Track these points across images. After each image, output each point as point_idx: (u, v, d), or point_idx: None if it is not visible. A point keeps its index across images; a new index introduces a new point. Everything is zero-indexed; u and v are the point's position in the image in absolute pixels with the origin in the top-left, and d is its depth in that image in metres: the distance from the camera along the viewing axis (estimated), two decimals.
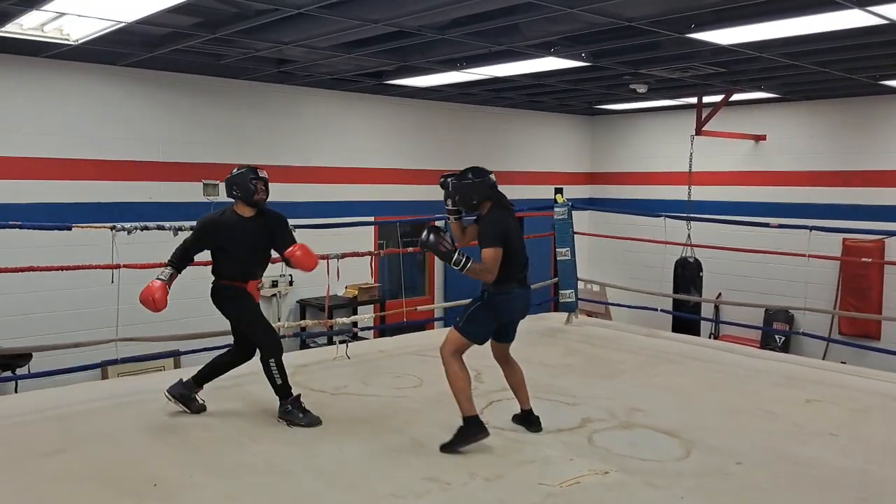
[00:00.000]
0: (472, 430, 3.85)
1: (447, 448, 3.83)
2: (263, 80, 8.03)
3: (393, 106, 9.46)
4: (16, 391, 5.83)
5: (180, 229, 4.92)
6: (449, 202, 4.12)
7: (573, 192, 11.25)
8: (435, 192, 9.64)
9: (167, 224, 5.14)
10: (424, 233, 3.85)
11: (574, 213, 7.40)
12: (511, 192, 11.21)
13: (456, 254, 3.82)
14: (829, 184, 9.33)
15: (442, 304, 8.79)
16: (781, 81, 8.14)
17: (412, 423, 4.33)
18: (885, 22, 5.00)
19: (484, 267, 3.82)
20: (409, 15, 5.12)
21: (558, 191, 10.46)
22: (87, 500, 3.31)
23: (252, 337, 4.32)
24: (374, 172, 9.34)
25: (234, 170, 4.24)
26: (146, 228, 5.08)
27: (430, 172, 9.83)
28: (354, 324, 7.94)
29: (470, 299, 4.08)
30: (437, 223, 4.10)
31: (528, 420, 4.19)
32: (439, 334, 7.37)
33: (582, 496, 3.37)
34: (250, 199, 4.17)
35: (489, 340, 4.09)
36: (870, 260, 8.52)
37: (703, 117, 9.22)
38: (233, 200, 4.26)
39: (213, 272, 4.31)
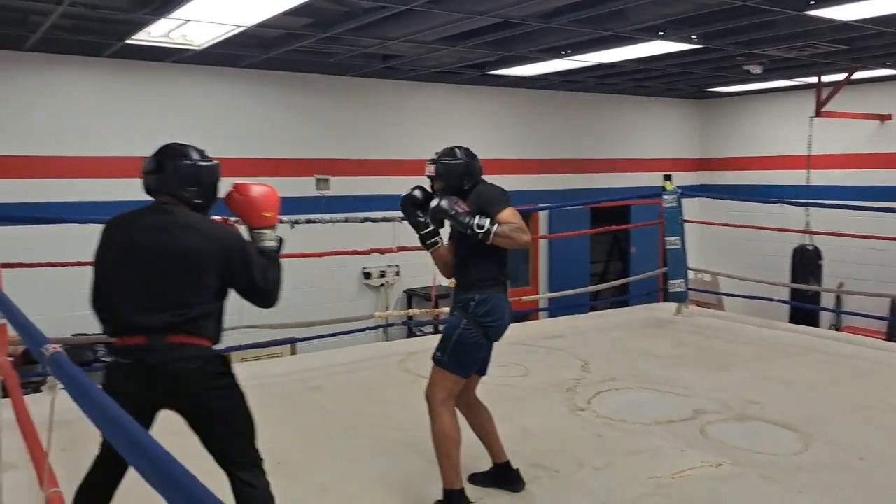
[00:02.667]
0: None
1: None
2: (370, 75, 8.28)
3: (496, 96, 9.51)
4: None
5: (296, 223, 5.16)
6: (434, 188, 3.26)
7: (682, 178, 10.91)
8: (541, 181, 9.79)
9: (283, 217, 5.37)
10: (436, 200, 3.11)
11: (684, 200, 7.20)
12: (617, 179, 11.11)
13: (477, 217, 2.98)
14: None
15: (546, 295, 8.79)
16: None
17: (518, 410, 4.38)
18: None
19: (513, 226, 2.96)
20: (514, 5, 5.15)
21: (667, 177, 10.19)
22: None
23: None
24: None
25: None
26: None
27: (535, 162, 9.85)
28: None
29: (449, 325, 3.12)
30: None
31: (506, 477, 3.30)
32: (548, 324, 7.44)
33: (694, 488, 3.32)
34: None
35: None
36: None
37: (822, 97, 8.72)
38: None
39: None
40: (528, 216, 9.82)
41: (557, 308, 8.48)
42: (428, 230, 3.26)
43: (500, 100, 9.57)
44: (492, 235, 2.95)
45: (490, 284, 3.10)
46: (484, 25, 5.78)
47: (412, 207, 3.32)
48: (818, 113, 8.75)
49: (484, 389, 4.84)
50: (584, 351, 5.70)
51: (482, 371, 3.24)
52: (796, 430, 3.97)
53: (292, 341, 6.41)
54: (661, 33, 6.08)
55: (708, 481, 3.37)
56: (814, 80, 8.81)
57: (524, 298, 7.28)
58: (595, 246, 11.01)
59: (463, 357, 3.03)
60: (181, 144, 2.62)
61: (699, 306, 8.66)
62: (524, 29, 5.92)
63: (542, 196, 9.34)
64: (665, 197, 7.19)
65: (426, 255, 5.21)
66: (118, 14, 5.17)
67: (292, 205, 7.62)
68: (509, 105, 9.68)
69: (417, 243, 3.43)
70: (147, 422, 2.39)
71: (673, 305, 7.27)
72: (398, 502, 3.28)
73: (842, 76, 8.44)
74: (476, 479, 3.37)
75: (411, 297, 8.69)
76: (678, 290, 7.12)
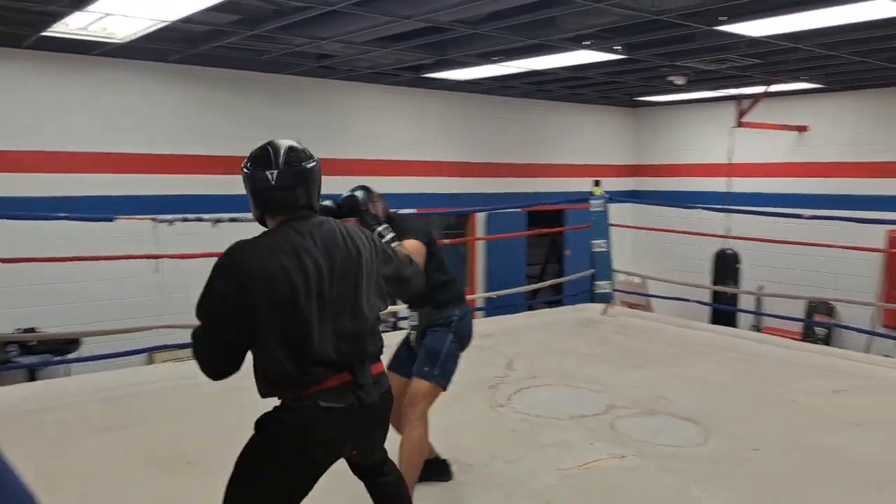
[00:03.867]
0: None
1: None
2: (305, 74, 8.27)
3: (434, 99, 9.62)
4: (69, 374, 6.20)
5: (219, 221, 5.12)
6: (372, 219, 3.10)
7: (617, 184, 11.23)
8: (479, 185, 9.93)
9: (206, 216, 5.33)
10: (360, 192, 3.09)
11: (618, 205, 7.41)
12: (555, 184, 11.33)
13: (383, 226, 3.01)
14: (874, 174, 9.13)
15: (481, 295, 8.93)
16: (822, 72, 8.02)
17: (440, 407, 4.44)
18: None
19: (409, 253, 2.83)
20: (442, 10, 5.25)
21: (596, 182, 10.43)
22: (129, 475, 3.56)
23: None
24: (416, 165, 9.53)
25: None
26: (186, 220, 5.22)
27: (472, 165, 10.01)
28: (394, 314, 8.14)
29: (429, 338, 3.21)
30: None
31: (439, 469, 3.43)
32: (481, 324, 7.54)
33: (597, 478, 3.47)
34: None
35: (393, 377, 3.01)
36: None
37: (743, 109, 9.12)
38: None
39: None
40: (465, 218, 9.97)
41: (494, 308, 8.63)
42: (379, 229, 3.14)
43: (437, 102, 9.69)
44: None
45: (463, 300, 3.31)
46: (415, 29, 5.86)
47: (352, 207, 3.16)
48: (739, 123, 9.15)
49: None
50: (511, 349, 5.84)
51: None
52: (699, 424, 4.17)
53: None
54: (586, 43, 6.28)
55: (611, 472, 3.52)
56: (734, 91, 9.21)
57: None
58: (533, 248, 11.24)
59: (451, 369, 3.19)
60: (292, 144, 2.19)
61: (630, 307, 8.94)
62: (454, 34, 6.03)
63: (479, 199, 9.50)
64: (592, 201, 7.41)
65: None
66: (33, 5, 5.06)
67: (220, 203, 7.58)
68: (446, 108, 9.81)
69: None
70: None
71: (600, 306, 7.49)
72: (338, 495, 3.31)
73: (760, 89, 8.85)
74: None
75: None
76: (604, 291, 7.35)
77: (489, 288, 9.68)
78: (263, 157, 2.13)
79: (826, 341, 9.20)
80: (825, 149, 9.66)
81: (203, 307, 2.04)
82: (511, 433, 4.06)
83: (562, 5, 5.21)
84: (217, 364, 2.08)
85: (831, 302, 9.10)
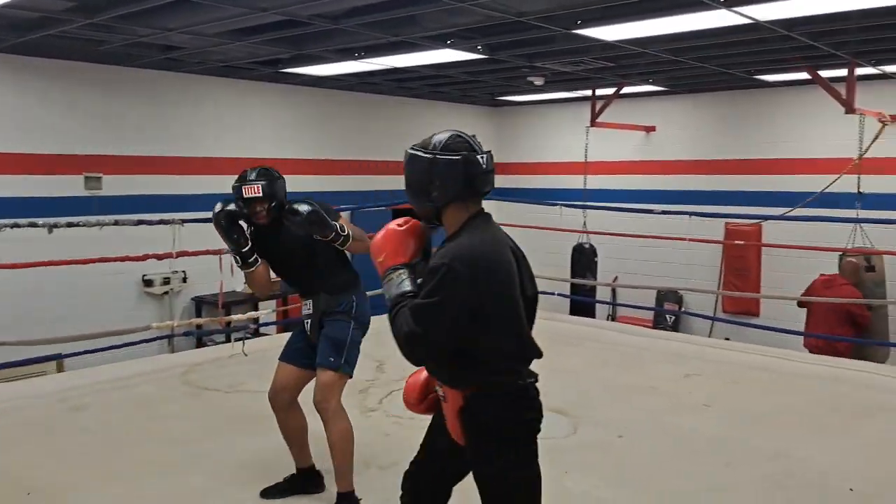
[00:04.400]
0: None
1: None
2: (150, 67, 7.72)
3: (293, 94, 9.31)
4: None
5: (55, 226, 4.65)
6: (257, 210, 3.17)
7: None
8: (341, 182, 9.73)
9: (41, 221, 4.81)
10: (305, 206, 3.06)
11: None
12: None
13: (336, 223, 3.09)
14: (712, 172, 9.86)
15: None
16: (667, 76, 8.54)
17: (308, 414, 4.29)
18: (749, 21, 5.33)
19: (358, 231, 3.17)
20: (300, 4, 5.05)
21: None
22: None
23: None
24: (275, 163, 9.13)
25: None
26: (17, 226, 4.66)
27: (333, 163, 9.78)
28: (255, 320, 7.80)
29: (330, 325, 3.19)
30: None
31: (312, 480, 3.38)
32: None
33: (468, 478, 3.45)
34: (248, 220, 3.22)
35: (288, 368, 3.26)
36: (742, 243, 9.09)
37: (596, 109, 9.53)
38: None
39: None
40: None
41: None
42: (247, 248, 3.17)
43: (297, 98, 9.39)
44: (351, 239, 3.08)
45: (357, 284, 3.24)
46: (271, 22, 5.61)
47: (231, 223, 3.15)
48: (593, 123, 9.56)
49: None
50: (380, 351, 5.69)
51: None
52: (568, 415, 4.28)
53: (57, 357, 5.80)
54: (448, 42, 6.29)
55: None
56: (589, 92, 9.62)
57: None
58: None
59: (355, 357, 3.17)
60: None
61: None
62: (313, 28, 5.84)
63: (343, 197, 9.29)
64: None
65: (213, 260, 4.80)
66: None
67: (55, 206, 6.93)
68: (306, 104, 9.53)
69: (201, 247, 3.27)
70: None
71: None
72: None
73: (612, 90, 9.29)
74: (270, 492, 3.26)
75: (200, 304, 8.23)
76: None
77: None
78: (461, 141, 2.10)
79: (675, 327, 9.84)
80: (670, 148, 10.32)
81: (442, 303, 1.96)
82: (385, 438, 3.98)
83: (424, 3, 5.17)
84: (430, 353, 2.07)
85: (679, 290, 9.74)
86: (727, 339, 7.95)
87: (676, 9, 5.09)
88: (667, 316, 10.02)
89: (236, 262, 3.22)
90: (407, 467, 3.51)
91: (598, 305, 9.79)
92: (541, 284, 7.83)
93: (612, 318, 10.43)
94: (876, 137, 8.43)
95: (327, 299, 3.16)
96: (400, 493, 2.37)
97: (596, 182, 10.29)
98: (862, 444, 3.98)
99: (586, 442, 3.91)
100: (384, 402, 4.58)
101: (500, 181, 10.62)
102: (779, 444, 3.89)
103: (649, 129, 10.46)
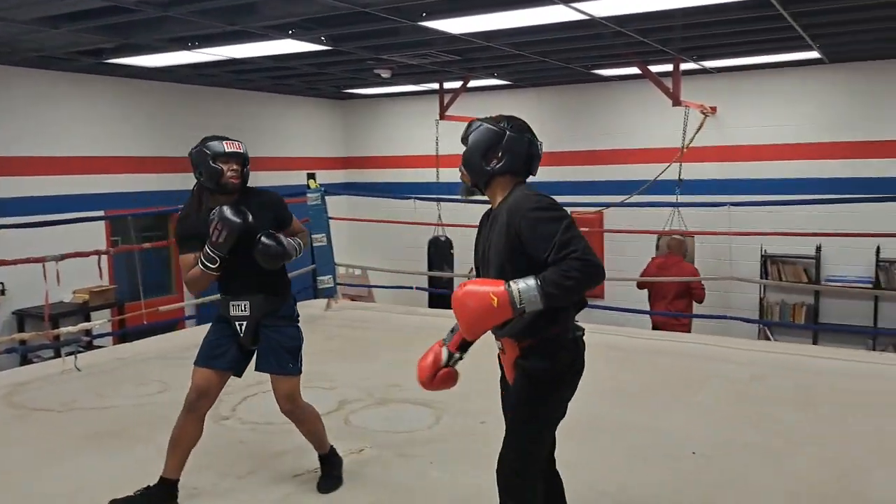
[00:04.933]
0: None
1: None
2: None
3: (120, 87, 8.64)
4: None
5: None
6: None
7: (330, 176, 11.19)
8: (180, 181, 9.17)
9: None
10: (266, 240, 2.94)
11: (333, 197, 7.36)
12: (264, 178, 10.95)
13: (287, 240, 3.05)
14: (557, 163, 10.27)
15: (192, 301, 8.27)
16: (511, 69, 8.79)
17: (158, 429, 4.00)
18: (586, 17, 5.58)
19: (305, 234, 3.30)
20: None
21: (311, 176, 10.37)
22: None
23: None
24: (104, 161, 8.47)
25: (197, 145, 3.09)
26: None
27: (173, 160, 9.17)
28: (87, 332, 7.19)
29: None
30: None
31: (167, 495, 3.09)
32: (189, 334, 6.99)
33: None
34: (216, 184, 3.00)
35: (209, 373, 3.04)
36: (586, 229, 9.56)
37: (445, 102, 9.64)
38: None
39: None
40: (166, 219, 9.14)
41: (207, 315, 8.04)
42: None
43: (126, 91, 8.72)
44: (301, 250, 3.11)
45: (290, 284, 3.21)
46: (93, 8, 5.15)
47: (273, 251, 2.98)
48: (442, 116, 9.66)
49: (116, 412, 4.36)
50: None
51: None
52: (430, 406, 4.27)
53: None
54: (290, 32, 6.08)
55: (350, 468, 3.43)
56: (437, 86, 9.71)
57: (162, 308, 6.75)
58: None
59: (300, 357, 3.14)
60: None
61: (353, 300, 9.00)
62: (141, 16, 5.42)
63: (183, 196, 8.79)
64: (309, 195, 7.28)
65: (36, 269, 4.40)
66: None
67: None
68: (136, 97, 8.87)
69: (21, 255, 2.97)
70: None
71: (324, 301, 7.40)
72: None
73: (459, 84, 9.43)
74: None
75: (23, 318, 7.45)
76: (327, 286, 7.28)
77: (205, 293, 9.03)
78: (521, 124, 2.37)
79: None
80: None
81: (576, 233, 2.13)
82: (240, 446, 3.78)
83: None
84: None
85: None
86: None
87: (518, 3, 5.22)
88: None
89: (211, 262, 2.93)
90: (266, 474, 3.36)
91: None
92: (398, 278, 7.90)
93: None
94: (699, 128, 9.20)
95: (265, 302, 3.03)
96: None
97: (449, 175, 10.41)
98: (701, 410, 4.29)
99: (450, 432, 3.93)
100: (238, 409, 4.36)
101: (349, 175, 10.63)
102: (631, 417, 4.10)
103: None
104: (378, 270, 8.62)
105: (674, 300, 7.08)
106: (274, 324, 3.06)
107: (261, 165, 10.39)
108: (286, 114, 10.95)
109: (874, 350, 8.23)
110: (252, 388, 4.63)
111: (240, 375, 3.15)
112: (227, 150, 2.98)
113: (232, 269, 2.99)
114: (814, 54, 7.75)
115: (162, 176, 8.87)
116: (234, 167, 3.00)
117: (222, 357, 3.04)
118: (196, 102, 9.53)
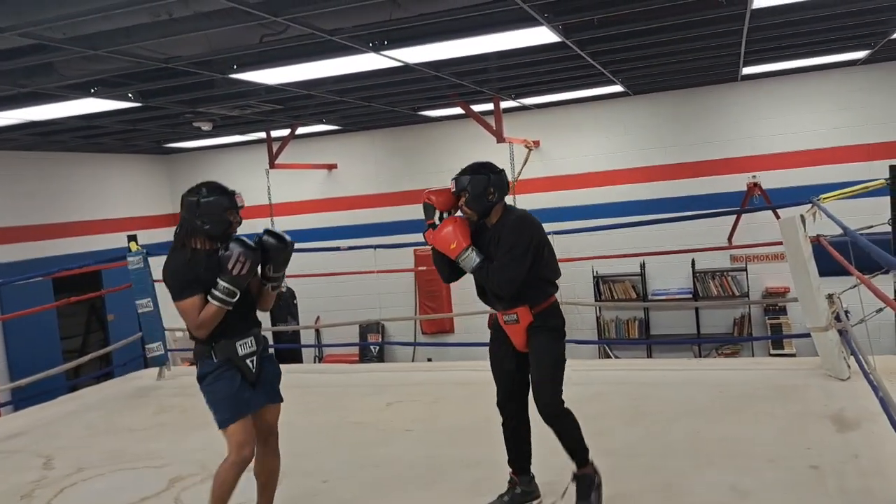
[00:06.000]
0: None
1: None
2: None
3: None
4: None
5: None
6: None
7: (156, 235, 10.57)
8: None
9: None
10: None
11: (153, 259, 6.90)
12: (82, 243, 10.17)
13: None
14: (393, 203, 10.37)
15: (5, 387, 7.45)
16: (339, 115, 8.80)
17: None
18: (399, 64, 5.69)
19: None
20: None
21: (131, 238, 9.73)
22: None
23: None
24: None
25: (201, 191, 3.06)
26: None
27: None
28: None
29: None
30: None
31: None
32: (6, 423, 6.25)
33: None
34: (222, 232, 3.08)
35: (249, 422, 3.10)
36: (425, 268, 9.67)
37: (274, 151, 9.46)
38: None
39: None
40: None
41: (23, 399, 7.24)
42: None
43: None
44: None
45: None
46: None
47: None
48: (272, 165, 9.47)
49: None
50: (48, 444, 4.96)
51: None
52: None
53: None
54: (92, 90, 5.71)
55: None
56: (264, 135, 9.52)
57: None
58: (68, 319, 9.84)
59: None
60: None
61: (191, 364, 8.45)
62: None
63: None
64: (130, 258, 6.81)
65: None
66: None
67: None
68: None
69: None
70: None
71: (155, 370, 6.91)
72: None
73: (287, 132, 9.31)
74: None
75: None
76: (157, 353, 6.80)
77: (14, 376, 8.17)
78: (497, 166, 3.25)
79: (380, 357, 10.11)
80: (352, 184, 10.64)
81: (526, 249, 3.13)
82: None
83: (57, 51, 4.61)
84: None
85: (381, 321, 10.03)
86: (429, 359, 8.38)
87: (329, 52, 5.21)
88: (371, 348, 10.25)
89: (231, 296, 2.96)
90: None
91: (304, 350, 9.65)
92: None
93: (320, 359, 10.38)
94: (525, 161, 9.64)
95: (259, 335, 3.16)
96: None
97: (283, 224, 10.19)
98: (539, 437, 4.38)
99: (293, 494, 3.74)
100: (54, 502, 3.91)
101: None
102: (474, 453, 4.11)
103: (331, 167, 10.69)
104: None
105: None
106: (270, 358, 3.22)
107: (76, 231, 9.67)
108: (102, 173, 10.28)
109: (700, 356, 8.94)
110: (71, 476, 4.20)
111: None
112: (239, 205, 3.14)
113: (245, 306, 3.08)
114: (618, 88, 8.41)
115: None
116: (239, 217, 3.16)
117: (248, 402, 3.07)
118: (4, 168, 8.72)
